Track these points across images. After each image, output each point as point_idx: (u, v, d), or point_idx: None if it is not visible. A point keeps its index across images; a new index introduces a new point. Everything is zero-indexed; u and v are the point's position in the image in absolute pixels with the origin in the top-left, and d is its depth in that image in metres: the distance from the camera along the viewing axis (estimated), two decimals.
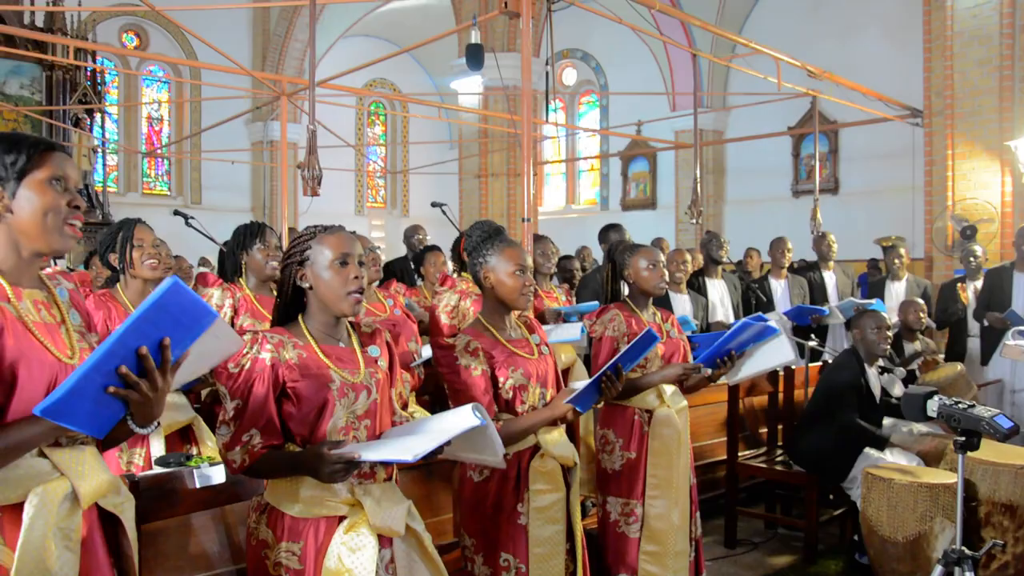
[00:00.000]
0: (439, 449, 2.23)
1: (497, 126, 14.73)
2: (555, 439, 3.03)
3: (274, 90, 9.77)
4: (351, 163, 17.63)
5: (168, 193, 17.02)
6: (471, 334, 2.98)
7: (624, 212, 16.54)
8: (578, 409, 2.95)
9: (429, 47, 11.88)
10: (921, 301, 6.66)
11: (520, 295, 3.00)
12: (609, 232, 6.81)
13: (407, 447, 2.13)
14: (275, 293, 4.01)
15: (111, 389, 1.66)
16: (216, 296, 3.93)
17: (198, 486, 2.95)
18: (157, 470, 3.12)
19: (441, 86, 16.50)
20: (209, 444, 3.71)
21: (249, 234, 4.03)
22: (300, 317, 2.42)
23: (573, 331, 4.58)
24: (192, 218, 5.51)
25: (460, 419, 2.26)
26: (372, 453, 2.18)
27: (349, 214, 18.03)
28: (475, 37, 6.85)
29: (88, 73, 12.90)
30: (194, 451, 3.71)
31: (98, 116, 13.72)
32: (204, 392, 4.13)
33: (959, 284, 7.44)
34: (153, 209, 13.08)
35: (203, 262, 10.67)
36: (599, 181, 17.88)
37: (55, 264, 8.55)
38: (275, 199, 16.14)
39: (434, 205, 6.95)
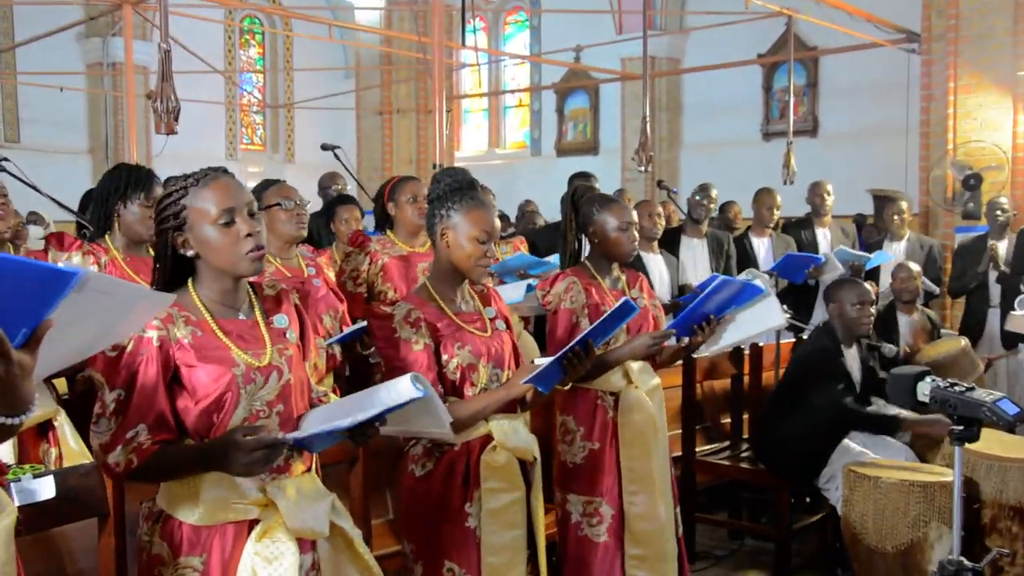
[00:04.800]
0: (375, 427, 2.35)
1: (403, 50, 14.52)
2: (510, 427, 3.12)
3: None
4: (219, 94, 17.23)
5: None
6: (414, 302, 3.08)
7: (560, 158, 16.52)
8: (539, 390, 3.04)
9: None
10: (914, 266, 6.70)
11: (477, 265, 3.10)
12: (578, 180, 6.80)
13: (343, 415, 2.23)
14: (152, 253, 3.95)
15: None
16: (75, 261, 3.84)
17: (17, 504, 2.85)
18: None
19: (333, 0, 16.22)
20: (72, 444, 3.64)
21: (132, 182, 3.92)
22: (190, 282, 2.44)
23: (515, 292, 4.57)
24: (6, 160, 5.28)
25: (398, 391, 2.35)
26: (298, 431, 2.29)
27: (218, 158, 17.55)
28: None
29: None
30: (53, 452, 3.64)
31: None
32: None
33: (990, 243, 7.42)
34: None
35: (34, 219, 10.19)
36: (529, 120, 17.81)
37: None
38: (120, 137, 15.65)
39: (325, 148, 6.83)
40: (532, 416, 4.73)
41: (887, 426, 5.00)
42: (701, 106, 15.03)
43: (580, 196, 4.05)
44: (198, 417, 2.32)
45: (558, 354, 3.03)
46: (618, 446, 3.88)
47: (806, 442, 5.05)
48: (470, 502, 3.05)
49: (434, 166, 5.09)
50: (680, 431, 5.52)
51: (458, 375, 3.05)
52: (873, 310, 5.21)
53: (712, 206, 7.42)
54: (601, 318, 3.17)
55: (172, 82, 6.24)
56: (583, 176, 6.85)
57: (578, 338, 3.07)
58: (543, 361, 3.03)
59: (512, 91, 18.09)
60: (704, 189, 7.36)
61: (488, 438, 3.09)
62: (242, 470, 2.22)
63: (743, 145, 14.21)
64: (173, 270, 2.43)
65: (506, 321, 3.30)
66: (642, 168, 8.39)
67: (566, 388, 3.21)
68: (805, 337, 6.25)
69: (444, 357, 3.04)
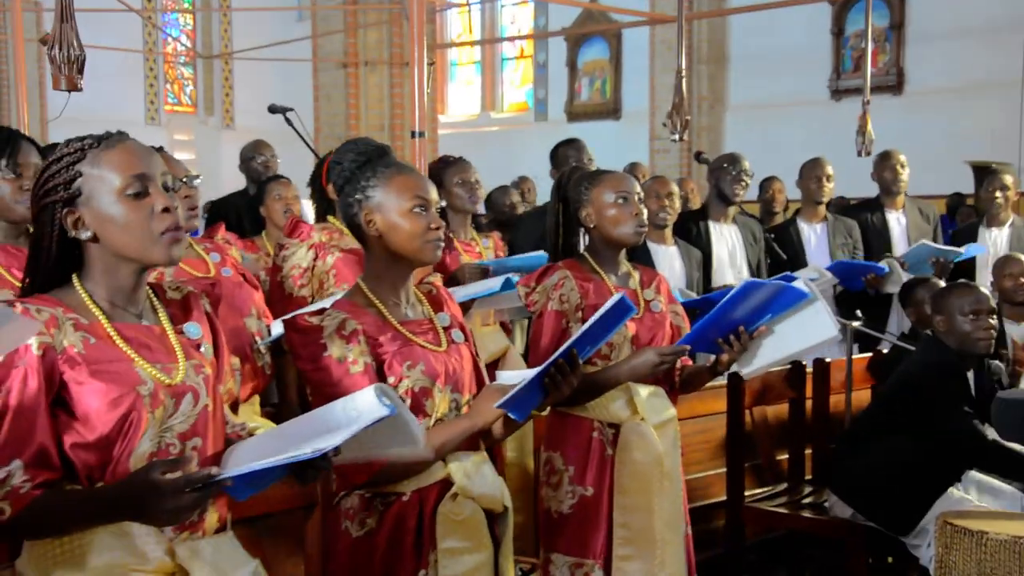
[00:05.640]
0: (329, 458, 2.27)
1: None
2: (474, 468, 3.05)
3: None
4: (137, 40, 17.23)
5: None
6: (347, 310, 3.00)
7: (572, 123, 16.53)
8: (512, 417, 2.97)
9: None
10: None
11: (425, 243, 3.02)
12: (564, 151, 6.70)
13: (298, 445, 2.16)
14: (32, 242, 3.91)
15: None
16: None
17: None
18: None
19: None
20: None
21: None
22: (76, 277, 2.37)
23: (492, 284, 4.52)
24: None
25: (359, 409, 2.28)
26: (241, 465, 2.21)
27: (135, 121, 17.58)
28: None
29: None
30: None
31: None
32: None
33: None
34: None
35: None
36: (532, 75, 17.83)
37: None
38: (4, 94, 15.65)
39: (273, 111, 6.79)
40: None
41: None
42: (752, 57, 15.02)
43: (566, 178, 4.02)
44: (90, 451, 2.24)
45: (536, 371, 2.95)
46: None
47: (907, 482, 4.98)
48: (425, 569, 2.97)
49: (413, 134, 5.03)
50: (724, 470, 5.46)
51: (408, 401, 2.93)
52: (994, 320, 5.11)
53: (746, 180, 7.21)
54: (589, 321, 3.09)
55: (74, 23, 6.20)
56: (569, 144, 6.73)
57: (562, 348, 2.99)
58: (511, 376, 2.96)
59: (511, 38, 18.07)
60: (735, 160, 7.15)
61: (446, 483, 2.99)
62: (165, 518, 2.14)
63: (806, 106, 14.20)
64: (57, 259, 2.35)
65: (463, 330, 3.22)
66: (675, 136, 8.36)
67: (543, 413, 3.15)
68: (885, 350, 6.21)
69: (390, 380, 2.94)
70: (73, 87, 6.20)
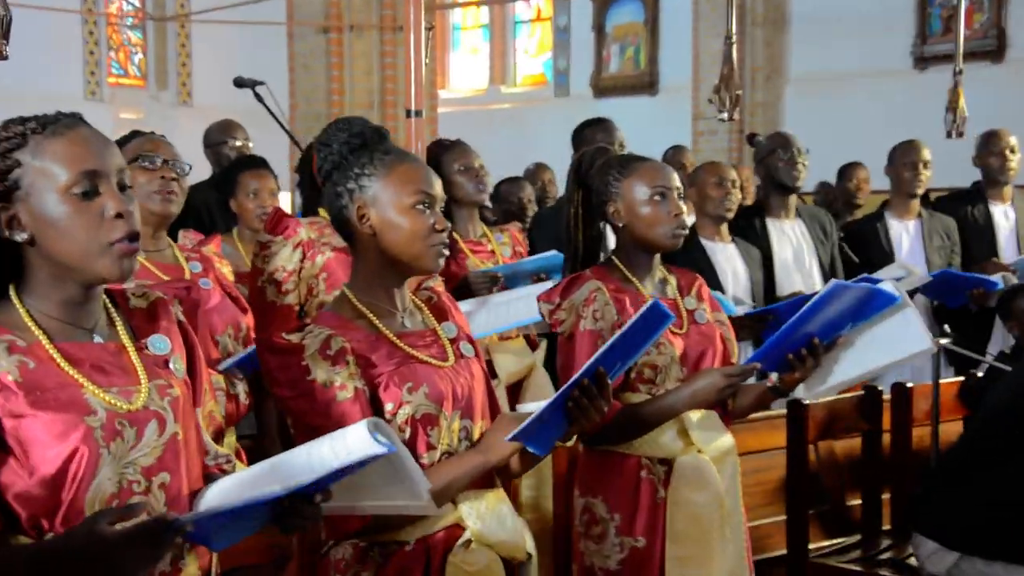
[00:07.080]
0: (315, 503, 2.29)
1: None
2: (489, 511, 3.06)
3: None
4: (74, 1, 17.26)
5: None
6: (332, 324, 3.01)
7: (598, 99, 16.54)
8: (531, 451, 2.98)
9: None
10: None
11: (428, 246, 3.04)
12: (591, 133, 6.70)
13: (262, 487, 2.19)
14: None
15: None
16: None
17: None
18: None
19: None
20: None
21: None
22: (13, 290, 2.37)
23: (530, 306, 4.53)
24: None
25: (348, 446, 2.28)
26: (195, 512, 2.24)
27: (73, 96, 17.52)
28: None
29: None
30: None
31: None
32: None
33: None
34: None
35: None
36: (551, 43, 17.83)
37: None
38: None
39: (240, 85, 6.84)
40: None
41: None
42: (817, 19, 15.01)
43: (587, 164, 4.01)
44: (34, 495, 2.23)
45: (555, 395, 2.94)
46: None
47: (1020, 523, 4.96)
48: None
49: (408, 113, 5.04)
50: (784, 518, 5.43)
51: (409, 431, 2.95)
52: None
53: (803, 161, 7.13)
54: (618, 333, 3.07)
55: None
56: (597, 125, 6.73)
57: (586, 366, 2.97)
58: (533, 407, 2.94)
59: None
60: (786, 141, 7.05)
61: (457, 529, 2.99)
62: (130, 571, 2.14)
63: (883, 78, 14.18)
64: None
65: (472, 343, 3.22)
66: (724, 115, 8.36)
67: (568, 444, 3.16)
68: (976, 370, 6.17)
69: (388, 406, 2.94)
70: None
